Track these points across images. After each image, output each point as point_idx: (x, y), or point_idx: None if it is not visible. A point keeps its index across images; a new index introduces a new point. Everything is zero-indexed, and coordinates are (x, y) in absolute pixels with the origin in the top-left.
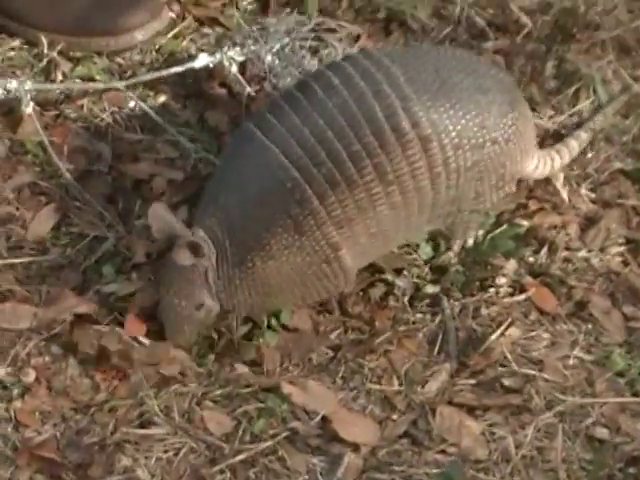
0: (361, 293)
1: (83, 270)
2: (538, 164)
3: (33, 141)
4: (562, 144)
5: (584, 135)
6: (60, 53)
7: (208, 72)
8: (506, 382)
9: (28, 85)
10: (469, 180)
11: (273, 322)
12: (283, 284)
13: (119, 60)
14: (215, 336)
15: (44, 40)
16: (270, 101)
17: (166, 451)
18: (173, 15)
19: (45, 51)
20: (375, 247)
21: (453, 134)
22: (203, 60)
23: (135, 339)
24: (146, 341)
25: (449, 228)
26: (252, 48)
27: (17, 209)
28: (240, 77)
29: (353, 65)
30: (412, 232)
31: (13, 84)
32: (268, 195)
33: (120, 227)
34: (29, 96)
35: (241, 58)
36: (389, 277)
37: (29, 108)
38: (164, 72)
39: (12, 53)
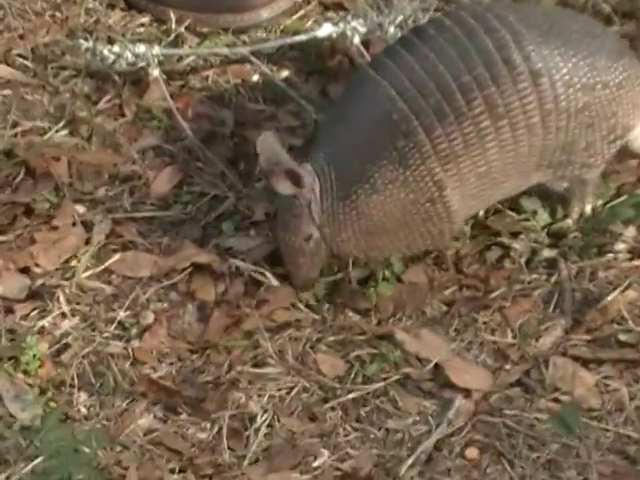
0: (477, 255)
1: (203, 226)
2: None
3: (158, 107)
4: None
5: None
6: (187, 29)
7: (330, 47)
8: (622, 337)
9: (156, 50)
10: (580, 124)
11: (387, 273)
12: (387, 222)
13: (244, 37)
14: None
15: (172, 16)
16: (386, 47)
17: (279, 389)
18: None
19: (173, 27)
20: (483, 191)
21: (564, 71)
22: (327, 30)
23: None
24: (275, 282)
25: (567, 190)
26: (375, 19)
27: (141, 167)
28: (362, 48)
29: (464, 11)
30: (522, 180)
31: (141, 49)
32: (375, 127)
33: (241, 187)
34: (156, 60)
35: (364, 29)
36: (505, 240)
37: (156, 71)
38: (288, 40)
39: (141, 29)
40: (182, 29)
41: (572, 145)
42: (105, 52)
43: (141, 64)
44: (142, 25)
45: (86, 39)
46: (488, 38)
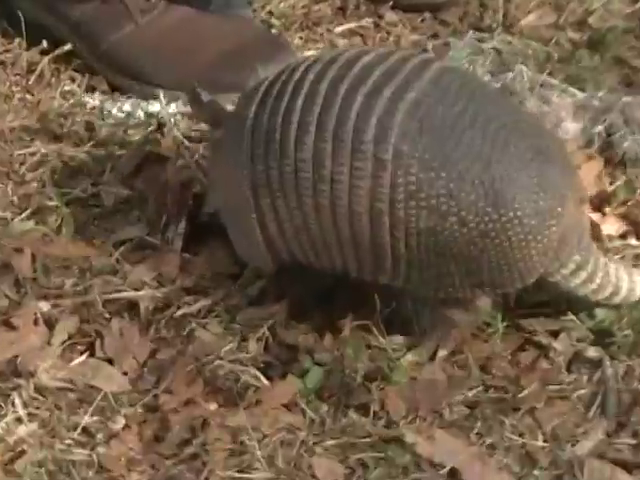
0: (509, 357)
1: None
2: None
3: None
4: None
5: None
6: None
7: None
8: None
9: (172, 108)
10: (425, 248)
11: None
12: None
13: None
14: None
15: (162, 97)
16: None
17: None
18: None
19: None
20: (305, 247)
21: (413, 179)
22: None
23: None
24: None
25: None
26: None
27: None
28: None
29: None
30: (357, 265)
31: (156, 107)
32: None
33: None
34: (173, 120)
35: None
36: (543, 340)
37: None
38: None
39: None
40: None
41: (420, 263)
42: (114, 111)
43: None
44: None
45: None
46: (360, 99)
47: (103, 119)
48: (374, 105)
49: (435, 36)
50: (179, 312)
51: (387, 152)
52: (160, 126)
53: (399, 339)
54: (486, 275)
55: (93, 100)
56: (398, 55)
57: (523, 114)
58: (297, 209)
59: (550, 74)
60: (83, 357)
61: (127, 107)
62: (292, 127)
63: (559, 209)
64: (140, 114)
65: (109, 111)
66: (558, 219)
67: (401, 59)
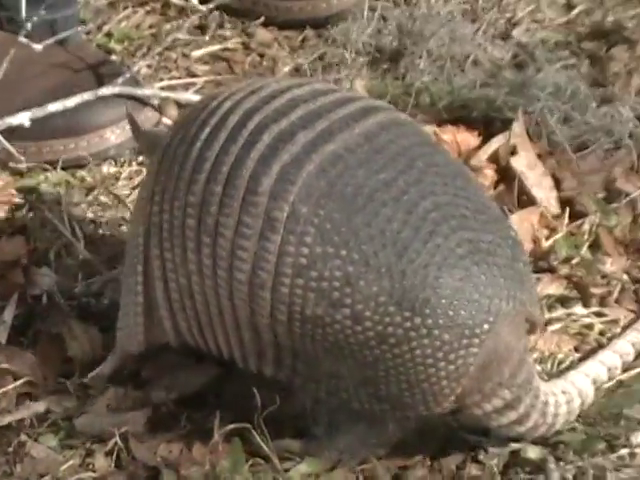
0: (428, 461)
1: None
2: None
3: None
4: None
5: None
6: None
7: None
8: None
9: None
10: (310, 338)
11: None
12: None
13: None
14: None
15: None
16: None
17: None
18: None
19: None
20: (193, 315)
21: (305, 251)
22: None
23: None
24: None
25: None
26: None
27: None
28: None
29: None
30: (242, 350)
31: None
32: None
33: None
34: None
35: None
36: (471, 439)
37: None
38: None
39: None
40: None
41: (307, 356)
42: None
43: None
44: None
45: None
46: (267, 139)
47: None
48: (281, 150)
49: (322, 58)
50: (3, 421)
51: (282, 210)
52: None
53: (289, 444)
54: (383, 390)
55: None
56: (339, 95)
57: (479, 199)
58: (182, 266)
59: None
60: None
61: None
62: (189, 162)
63: (486, 326)
64: None
65: None
66: (482, 339)
67: (341, 100)
